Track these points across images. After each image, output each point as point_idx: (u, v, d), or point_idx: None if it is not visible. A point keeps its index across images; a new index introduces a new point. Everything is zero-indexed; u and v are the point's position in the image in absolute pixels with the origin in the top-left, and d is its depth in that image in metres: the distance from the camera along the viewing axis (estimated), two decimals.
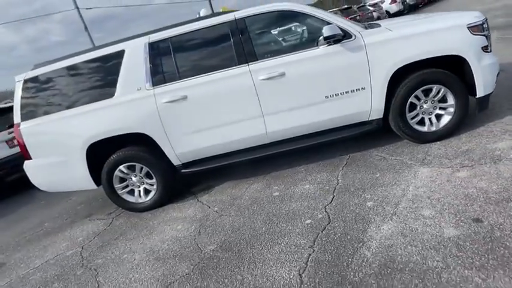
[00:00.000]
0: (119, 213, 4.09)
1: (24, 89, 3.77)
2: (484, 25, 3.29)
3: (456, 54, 3.19)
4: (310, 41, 3.45)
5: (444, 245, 2.07)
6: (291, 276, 2.19)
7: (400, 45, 3.24)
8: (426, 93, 3.34)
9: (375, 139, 3.87)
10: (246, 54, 3.42)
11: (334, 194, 3.06)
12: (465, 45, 3.19)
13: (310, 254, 2.35)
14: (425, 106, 3.39)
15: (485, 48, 3.25)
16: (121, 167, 3.75)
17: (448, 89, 3.27)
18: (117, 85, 3.59)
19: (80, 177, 3.84)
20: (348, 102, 3.41)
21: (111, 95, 3.61)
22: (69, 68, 3.71)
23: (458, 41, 3.20)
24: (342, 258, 2.22)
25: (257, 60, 3.41)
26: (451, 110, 3.36)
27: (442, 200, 2.51)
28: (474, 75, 3.22)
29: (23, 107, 3.77)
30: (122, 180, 3.86)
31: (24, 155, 3.86)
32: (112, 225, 3.81)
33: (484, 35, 3.26)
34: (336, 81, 3.36)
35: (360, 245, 2.29)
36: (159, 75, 3.53)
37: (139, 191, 3.90)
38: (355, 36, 3.29)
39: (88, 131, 3.62)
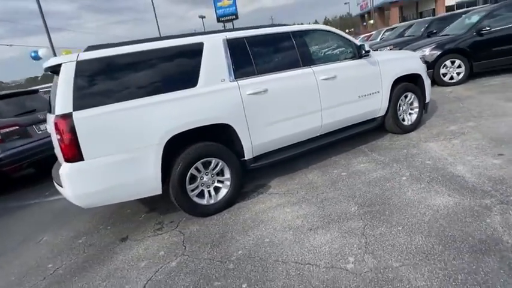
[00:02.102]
0: (176, 220, 3.50)
1: (78, 72, 2.97)
2: (424, 58, 5.32)
3: (418, 73, 4.98)
4: (342, 53, 4.50)
5: None
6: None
7: (395, 64, 4.78)
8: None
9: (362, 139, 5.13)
10: (307, 58, 4.11)
11: (392, 164, 4.02)
12: (421, 68, 5.05)
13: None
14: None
15: (427, 71, 5.23)
16: (197, 164, 3.42)
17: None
18: (200, 75, 3.44)
19: (147, 180, 3.20)
20: (371, 102, 4.58)
21: (194, 84, 3.40)
22: (139, 54, 3.24)
23: (418, 65, 5.04)
24: None
25: (315, 64, 4.15)
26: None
27: None
28: (425, 87, 5.07)
29: (76, 93, 2.94)
30: (192, 180, 3.47)
31: (69, 154, 2.90)
32: (190, 232, 3.28)
33: (425, 64, 5.26)
34: (365, 85, 4.49)
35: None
36: (239, 69, 3.65)
37: (209, 191, 3.58)
38: (371, 53, 4.59)
39: (168, 123, 3.21)
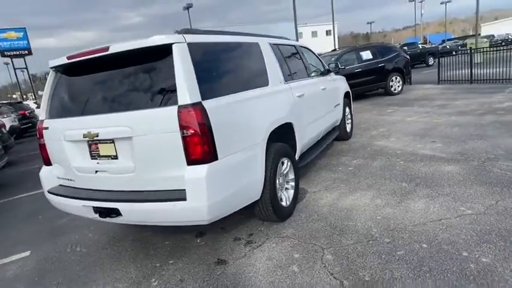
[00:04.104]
0: (252, 230, 3.13)
1: (193, 56, 2.42)
2: None
3: (348, 90, 6.37)
4: (322, 68, 5.26)
5: None
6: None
7: (341, 82, 5.96)
8: None
9: None
10: (316, 70, 4.71)
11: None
12: (347, 87, 6.48)
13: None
14: None
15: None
16: (278, 165, 3.28)
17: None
18: (268, 74, 3.39)
19: (256, 183, 2.86)
20: (337, 112, 5.51)
21: (266, 83, 3.33)
22: (223, 44, 2.94)
23: (346, 85, 6.45)
24: None
25: (321, 75, 4.79)
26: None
27: None
28: (351, 100, 6.52)
29: (199, 79, 2.38)
30: None
31: (203, 153, 2.29)
32: (298, 234, 3.05)
33: None
34: (336, 96, 5.40)
35: None
36: (285, 73, 3.81)
37: (284, 193, 3.43)
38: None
39: (267, 119, 3.05)
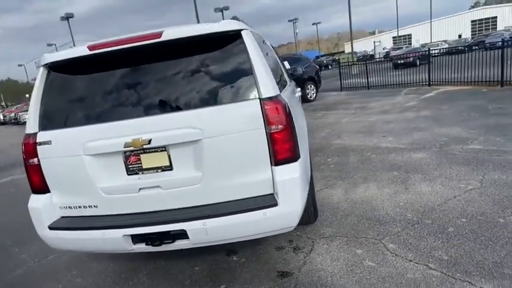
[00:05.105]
0: (291, 236, 2.93)
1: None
2: None
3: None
4: None
5: None
6: None
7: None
8: None
9: None
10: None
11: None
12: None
13: None
14: None
15: None
16: None
17: None
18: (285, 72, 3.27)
19: (308, 182, 2.68)
20: None
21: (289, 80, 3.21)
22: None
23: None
24: None
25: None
26: None
27: None
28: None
29: None
30: None
31: (292, 150, 2.05)
32: (339, 233, 2.96)
33: None
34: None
35: None
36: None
37: None
38: None
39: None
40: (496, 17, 56.47)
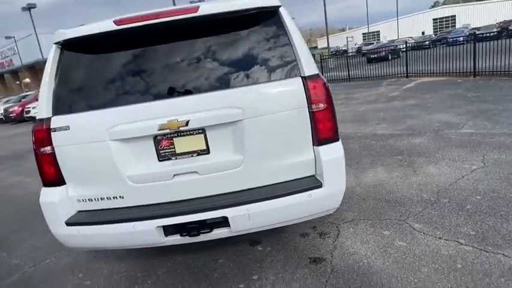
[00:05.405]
0: (314, 224, 2.90)
1: None
2: None
3: None
4: None
5: None
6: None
7: None
8: None
9: None
10: None
11: None
12: None
13: None
14: None
15: None
16: None
17: None
18: None
19: None
20: None
21: None
22: None
23: None
24: None
25: None
26: None
27: None
28: None
29: None
30: None
31: (333, 129, 2.08)
32: (361, 219, 2.96)
33: None
34: None
35: None
36: None
37: None
38: None
39: None
40: (454, 16, 59.41)
